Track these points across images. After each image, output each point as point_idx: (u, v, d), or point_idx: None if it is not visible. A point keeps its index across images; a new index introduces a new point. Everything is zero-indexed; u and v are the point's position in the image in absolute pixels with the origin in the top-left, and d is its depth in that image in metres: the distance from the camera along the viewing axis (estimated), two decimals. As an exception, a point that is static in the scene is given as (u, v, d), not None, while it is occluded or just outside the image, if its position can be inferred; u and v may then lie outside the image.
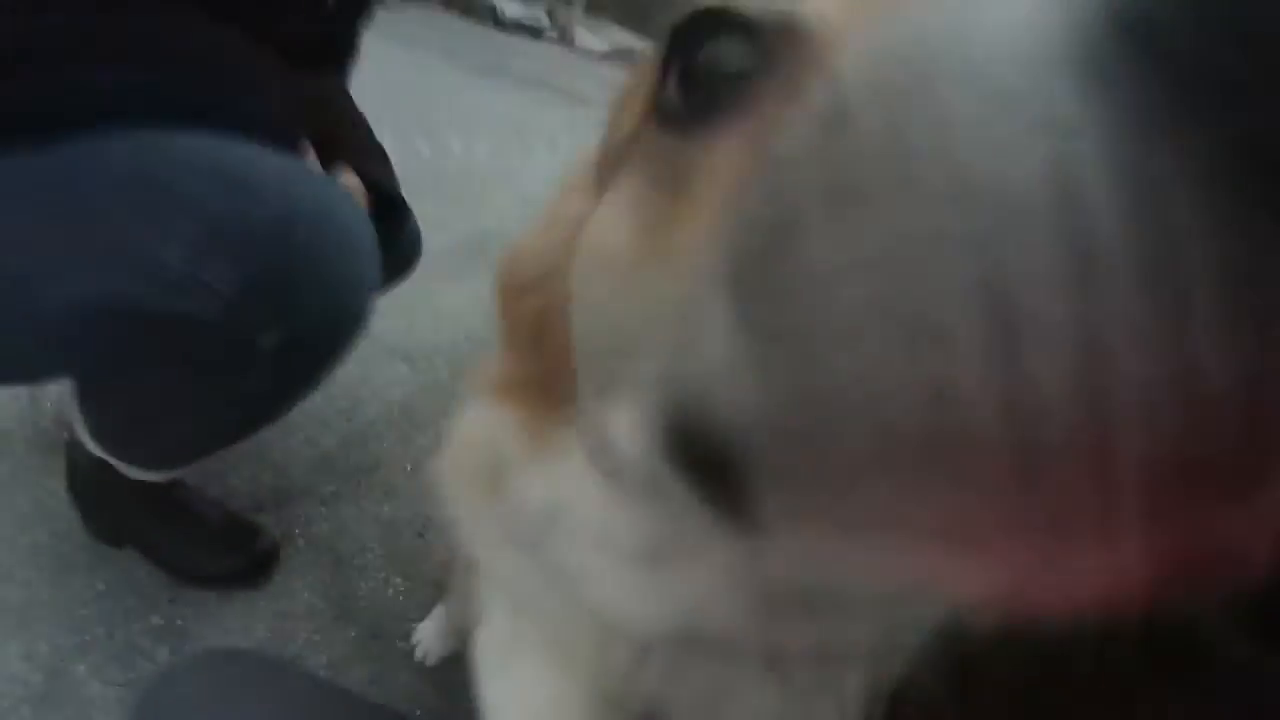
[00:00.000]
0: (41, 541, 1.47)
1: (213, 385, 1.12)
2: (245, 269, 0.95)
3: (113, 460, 1.28)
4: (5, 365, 1.09)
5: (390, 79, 4.15)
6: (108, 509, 1.43)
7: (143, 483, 1.36)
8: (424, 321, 2.33)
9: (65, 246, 0.93)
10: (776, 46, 0.35)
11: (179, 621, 1.41)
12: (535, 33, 18.52)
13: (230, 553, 1.48)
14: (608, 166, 0.48)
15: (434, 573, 1.58)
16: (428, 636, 1.42)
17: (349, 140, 1.36)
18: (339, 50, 1.41)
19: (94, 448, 1.26)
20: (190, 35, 1.01)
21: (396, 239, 1.35)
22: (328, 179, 1.14)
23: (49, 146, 0.92)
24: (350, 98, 1.46)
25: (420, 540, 1.69)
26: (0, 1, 0.89)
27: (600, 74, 16.26)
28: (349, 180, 1.25)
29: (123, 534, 1.46)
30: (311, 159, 1.21)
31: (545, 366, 0.50)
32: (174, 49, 0.99)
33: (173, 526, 1.45)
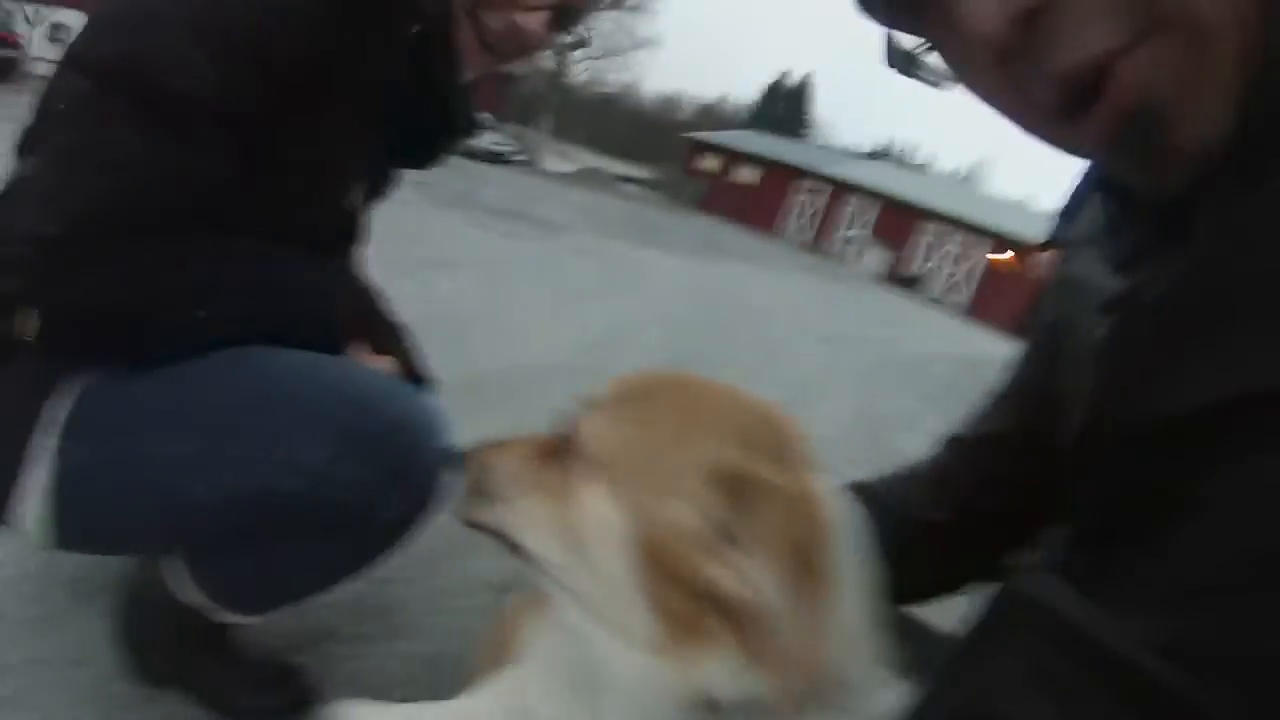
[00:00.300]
0: (89, 683, 1.50)
1: (332, 549, 1.31)
2: (373, 468, 1.19)
3: (211, 605, 1.35)
4: (147, 542, 1.34)
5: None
6: (157, 650, 1.49)
7: (195, 625, 1.42)
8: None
9: (219, 451, 1.17)
10: None
11: (228, 760, 1.45)
12: (504, 159, 18.84)
13: (274, 691, 1.54)
14: None
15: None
16: None
17: (380, 324, 1.57)
18: (356, 237, 1.57)
19: (194, 596, 1.34)
20: (268, 261, 1.26)
21: None
22: (404, 382, 1.41)
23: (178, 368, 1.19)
24: (365, 278, 1.62)
25: (446, 675, 1.74)
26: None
27: (570, 198, 16.65)
28: (383, 362, 1.41)
29: (168, 675, 1.51)
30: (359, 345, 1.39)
31: None
32: (265, 280, 1.25)
33: (220, 667, 1.51)
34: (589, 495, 0.79)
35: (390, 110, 1.36)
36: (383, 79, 1.31)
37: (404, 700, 1.60)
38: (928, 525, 1.16)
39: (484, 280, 5.85)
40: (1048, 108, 0.66)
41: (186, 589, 1.34)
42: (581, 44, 1.59)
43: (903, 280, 32.32)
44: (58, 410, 1.15)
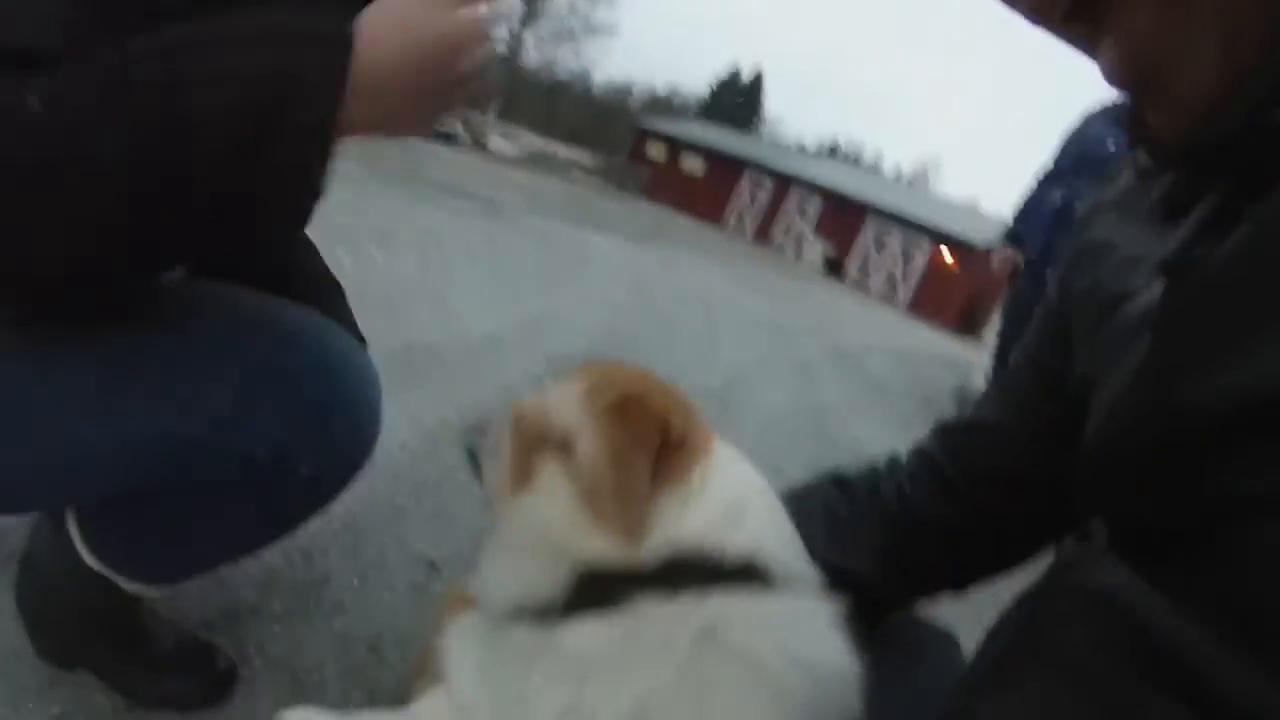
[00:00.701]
0: (-12, 663, 1.42)
1: (242, 509, 1.19)
2: (291, 412, 1.08)
3: (111, 575, 1.25)
4: (42, 494, 1.18)
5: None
6: (58, 631, 1.40)
7: (97, 601, 1.34)
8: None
9: (120, 390, 1.02)
10: None
11: (138, 746, 1.37)
12: (450, 139, 18.81)
13: (188, 674, 1.46)
14: None
15: (391, 685, 1.57)
16: None
17: (318, 277, 1.52)
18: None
19: (93, 563, 1.24)
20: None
21: None
22: (339, 327, 1.23)
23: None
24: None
25: (374, 654, 1.68)
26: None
27: (515, 180, 16.59)
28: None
29: (74, 656, 1.42)
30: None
31: None
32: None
33: (128, 649, 1.42)
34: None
35: None
36: None
37: (321, 682, 1.59)
38: (923, 519, 1.13)
39: (422, 255, 5.75)
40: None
41: (89, 556, 1.24)
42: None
43: (835, 270, 32.70)
44: None
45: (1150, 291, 0.78)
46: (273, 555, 1.72)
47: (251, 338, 1.09)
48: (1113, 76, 0.67)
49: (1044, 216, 4.42)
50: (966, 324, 26.98)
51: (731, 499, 0.91)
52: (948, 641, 1.17)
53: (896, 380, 8.29)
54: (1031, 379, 1.07)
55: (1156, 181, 0.80)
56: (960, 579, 1.18)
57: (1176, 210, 0.73)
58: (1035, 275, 4.46)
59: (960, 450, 1.14)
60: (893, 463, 1.22)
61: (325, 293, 1.50)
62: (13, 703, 1.37)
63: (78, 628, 1.38)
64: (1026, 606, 0.79)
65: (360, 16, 0.85)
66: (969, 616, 1.31)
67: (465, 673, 1.00)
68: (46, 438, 1.04)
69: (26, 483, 1.12)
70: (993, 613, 0.86)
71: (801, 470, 1.41)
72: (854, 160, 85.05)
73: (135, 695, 1.43)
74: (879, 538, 1.14)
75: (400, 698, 1.41)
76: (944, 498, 1.12)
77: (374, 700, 1.57)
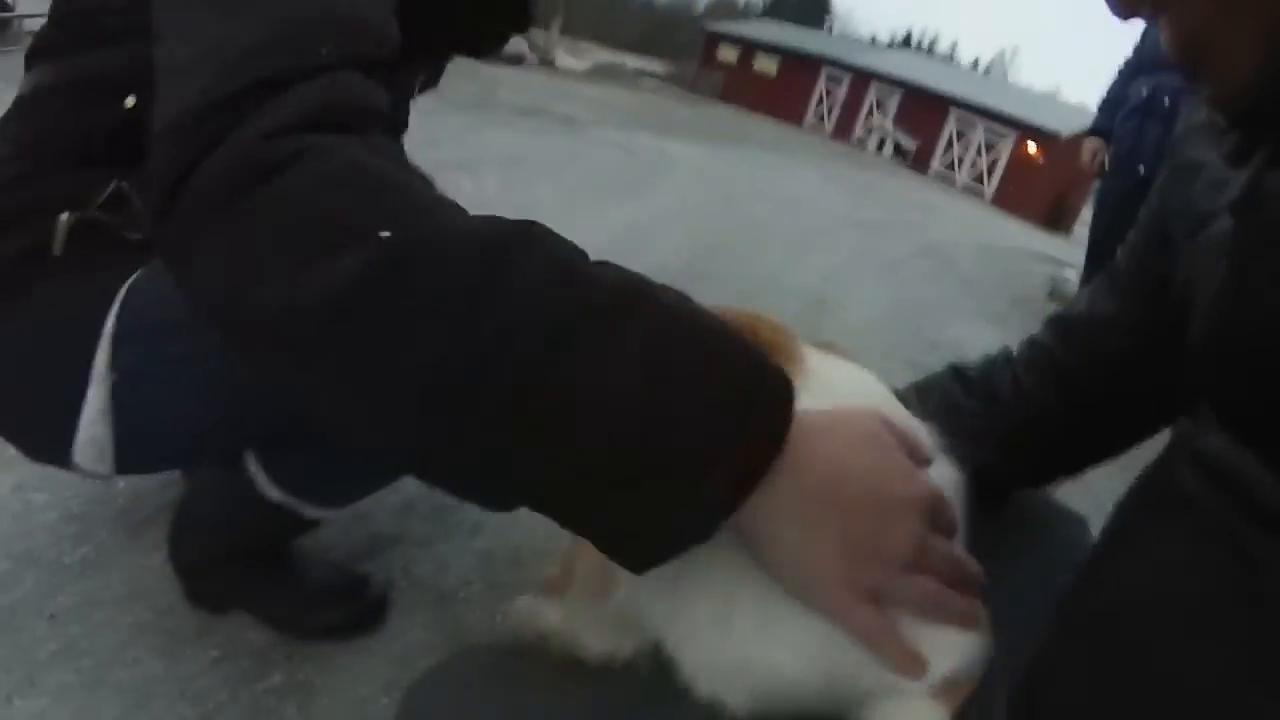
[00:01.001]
0: (145, 619, 1.46)
1: None
2: None
3: (294, 504, 1.27)
4: (225, 438, 1.19)
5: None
6: (217, 576, 1.44)
7: (251, 544, 1.39)
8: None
9: None
10: None
11: (300, 676, 1.42)
12: (517, 60, 18.70)
13: (342, 604, 1.51)
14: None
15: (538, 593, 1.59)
16: None
17: None
18: (405, 125, 1.47)
19: (276, 495, 1.26)
20: None
21: None
22: None
23: None
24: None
25: (516, 568, 1.72)
26: None
27: (588, 94, 16.41)
28: None
29: (231, 599, 1.47)
30: None
31: None
32: None
33: (284, 585, 1.47)
34: None
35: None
36: None
37: (468, 599, 1.62)
38: (1040, 408, 1.14)
39: (506, 178, 5.74)
40: None
41: (267, 489, 1.26)
42: None
43: (919, 164, 31.86)
44: (103, 324, 1.04)
45: (1227, 222, 0.82)
46: (408, 484, 1.73)
47: None
48: (1169, 51, 0.71)
49: (1130, 109, 4.23)
50: (1054, 218, 26.13)
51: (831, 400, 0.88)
52: (1074, 519, 1.20)
53: (988, 277, 8.02)
54: (1139, 277, 1.09)
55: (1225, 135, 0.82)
56: (1075, 464, 1.20)
57: (1240, 160, 0.77)
58: (1124, 168, 4.26)
59: (1076, 340, 1.15)
60: (1007, 355, 1.23)
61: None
62: (170, 652, 1.41)
63: (235, 570, 1.43)
64: (1146, 475, 0.86)
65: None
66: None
67: None
68: (210, 390, 1.04)
69: (200, 435, 1.15)
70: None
71: (904, 371, 1.39)
72: (928, 51, 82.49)
73: (291, 629, 1.47)
74: (998, 425, 1.17)
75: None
76: (1060, 386, 1.14)
77: (520, 611, 1.59)
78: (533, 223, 0.62)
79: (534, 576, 1.67)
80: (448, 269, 0.57)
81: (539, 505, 0.61)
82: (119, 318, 1.03)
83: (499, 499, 0.63)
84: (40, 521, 1.63)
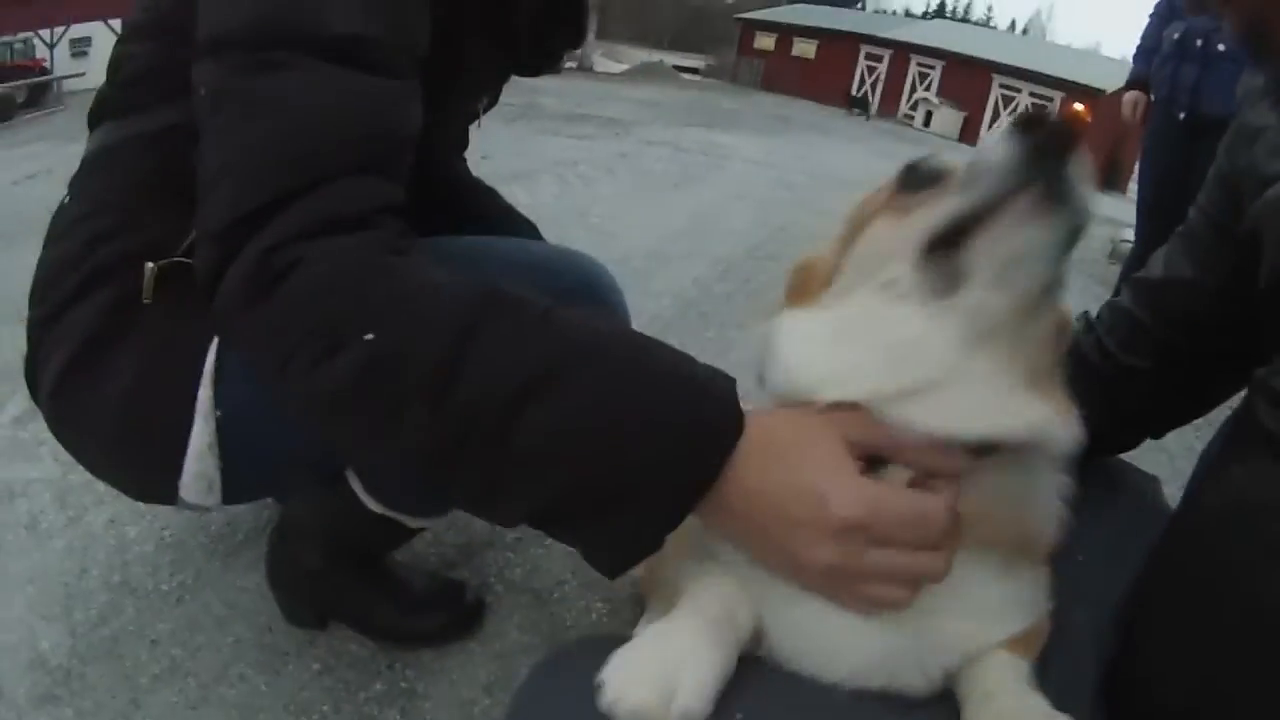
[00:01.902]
0: (245, 638, 1.48)
1: None
2: None
3: (397, 515, 1.28)
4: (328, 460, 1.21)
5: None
6: (317, 591, 1.45)
7: (348, 557, 1.41)
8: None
9: None
10: None
11: (402, 683, 1.43)
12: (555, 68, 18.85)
13: (440, 610, 1.51)
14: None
15: (630, 590, 1.58)
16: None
17: (517, 221, 1.66)
18: (466, 143, 1.61)
19: (378, 507, 1.26)
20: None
21: None
22: (576, 251, 1.33)
23: None
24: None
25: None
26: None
27: (631, 94, 16.47)
28: None
29: (329, 613, 1.48)
30: None
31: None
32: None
33: (383, 596, 1.48)
34: None
35: (523, 28, 1.25)
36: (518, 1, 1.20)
37: (563, 598, 1.62)
38: (1128, 371, 1.19)
39: (562, 184, 5.77)
40: None
41: (369, 502, 1.27)
42: None
43: (968, 132, 31.41)
44: (202, 363, 1.05)
45: None
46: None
47: (525, 274, 1.05)
48: (1234, 37, 0.79)
49: (1164, 56, 4.11)
50: (1107, 177, 25.59)
51: None
52: (1150, 479, 1.26)
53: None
54: (1212, 238, 1.12)
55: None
56: (1159, 425, 1.26)
57: None
58: (1164, 114, 4.15)
59: (1159, 303, 1.18)
60: (1087, 319, 1.27)
61: (527, 225, 1.62)
62: (272, 668, 1.43)
63: (334, 584, 1.44)
64: (1230, 420, 0.95)
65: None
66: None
67: None
68: None
69: (303, 459, 1.15)
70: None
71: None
72: (963, 19, 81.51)
73: (392, 637, 1.48)
74: (1083, 389, 1.15)
75: (639, 600, 1.42)
76: (1145, 348, 1.18)
77: (614, 607, 1.60)
78: (496, 292, 0.76)
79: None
80: (420, 360, 0.72)
81: (532, 526, 0.77)
82: (218, 355, 1.05)
83: (500, 522, 0.83)
84: (136, 553, 1.67)
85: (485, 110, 1.43)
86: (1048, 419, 0.74)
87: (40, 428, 1.23)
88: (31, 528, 1.74)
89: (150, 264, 1.02)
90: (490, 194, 1.63)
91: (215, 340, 1.05)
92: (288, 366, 0.75)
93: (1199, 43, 3.65)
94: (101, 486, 1.18)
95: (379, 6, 0.89)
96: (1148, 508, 1.19)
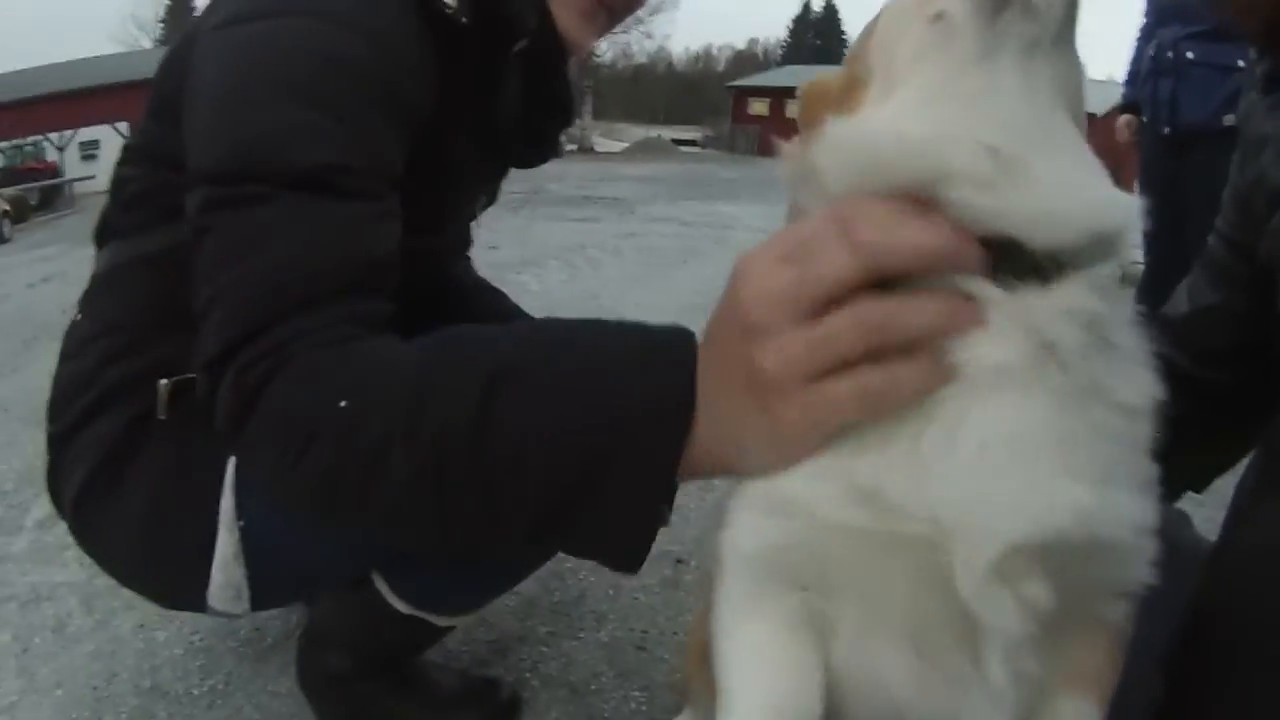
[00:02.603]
0: (277, 743, 1.47)
1: None
2: None
3: (425, 614, 1.29)
4: (353, 564, 1.24)
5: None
6: (349, 693, 1.44)
7: (378, 659, 1.40)
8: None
9: None
10: None
11: (440, 786, 1.41)
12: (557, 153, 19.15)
13: (475, 709, 1.50)
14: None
15: (665, 679, 1.58)
16: None
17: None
18: (470, 243, 1.60)
19: (405, 608, 1.28)
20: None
21: None
22: None
23: None
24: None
25: (643, 653, 1.69)
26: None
27: (628, 173, 16.65)
28: None
29: (363, 716, 1.46)
30: None
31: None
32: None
33: (416, 697, 1.46)
34: None
35: (509, 125, 1.28)
36: (499, 101, 1.22)
37: (600, 689, 1.60)
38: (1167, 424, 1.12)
39: (570, 269, 5.84)
40: None
41: (397, 604, 1.28)
42: None
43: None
44: (223, 474, 1.09)
45: None
46: (527, 585, 1.73)
47: None
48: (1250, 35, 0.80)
49: (1145, 75, 4.17)
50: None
51: None
52: (1177, 515, 1.16)
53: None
54: (1231, 257, 1.09)
55: None
56: (1203, 477, 1.18)
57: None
58: (1153, 132, 4.18)
59: (1188, 338, 1.12)
60: None
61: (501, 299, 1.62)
62: None
63: (367, 687, 1.43)
64: (1259, 450, 0.92)
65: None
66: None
67: None
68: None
69: (329, 565, 1.18)
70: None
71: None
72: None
73: (428, 740, 1.47)
74: None
75: (677, 689, 1.41)
76: (1181, 393, 1.10)
77: (652, 696, 1.57)
78: (452, 333, 0.79)
79: (660, 659, 1.67)
80: (389, 405, 0.74)
81: (541, 542, 0.77)
82: (237, 466, 1.08)
83: (514, 552, 0.95)
84: (165, 657, 1.67)
85: (484, 208, 1.46)
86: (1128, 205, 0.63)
87: (64, 531, 1.25)
88: (59, 631, 1.76)
89: (163, 381, 1.06)
90: (496, 295, 1.64)
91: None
92: (281, 466, 0.78)
93: (1170, 54, 3.68)
94: (128, 592, 1.20)
95: (347, 134, 0.92)
96: (1183, 548, 1.02)
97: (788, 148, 0.69)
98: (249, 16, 0.96)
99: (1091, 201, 0.60)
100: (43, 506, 2.17)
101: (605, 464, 0.69)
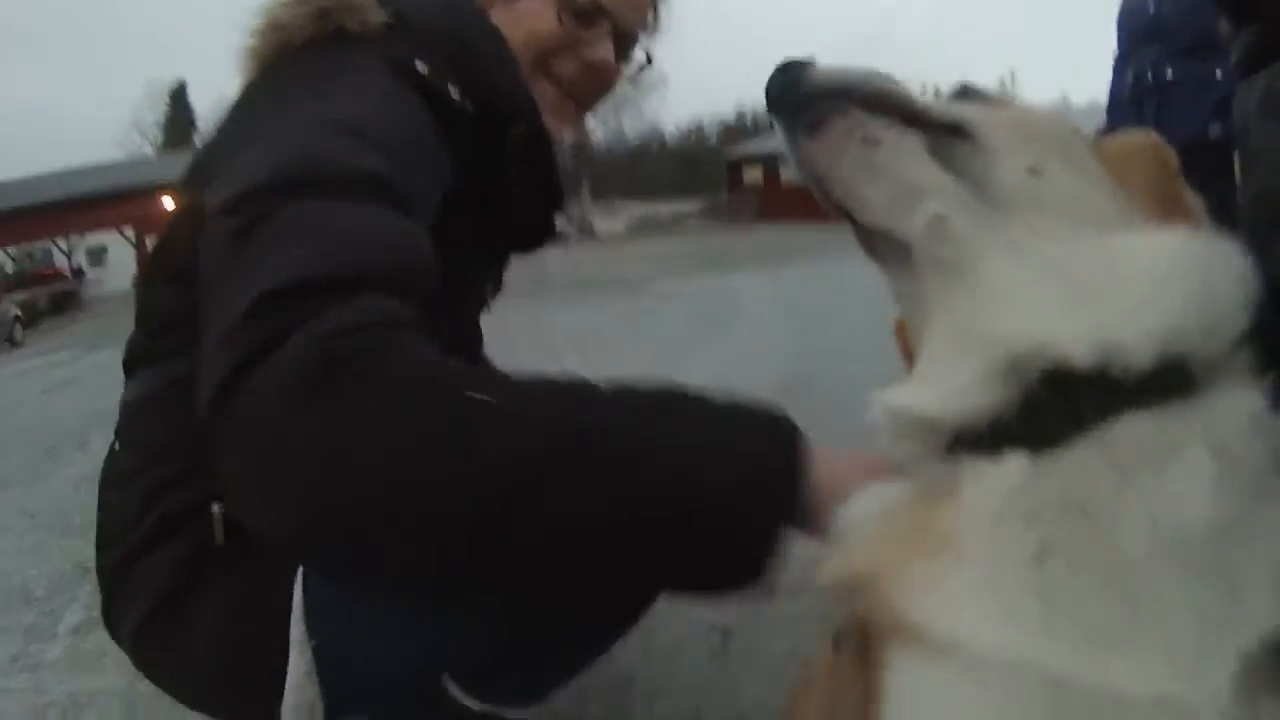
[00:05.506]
0: None
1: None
2: None
3: (498, 710, 1.29)
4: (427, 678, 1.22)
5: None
6: None
7: None
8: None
9: None
10: None
11: None
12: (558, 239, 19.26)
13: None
14: None
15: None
16: None
17: None
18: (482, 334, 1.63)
19: (478, 705, 1.27)
20: None
21: None
22: None
23: None
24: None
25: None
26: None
27: (632, 252, 16.73)
28: None
29: None
30: None
31: None
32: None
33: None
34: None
35: (510, 212, 1.35)
36: (502, 184, 1.29)
37: None
38: None
39: (585, 354, 5.85)
40: None
41: (468, 702, 1.27)
42: (649, 62, 1.54)
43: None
44: (290, 597, 1.08)
45: None
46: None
47: None
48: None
49: (1127, 100, 4.22)
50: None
51: None
52: None
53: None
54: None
55: None
56: None
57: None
58: None
59: None
60: None
61: None
62: None
63: None
64: None
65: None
66: None
67: None
68: (411, 638, 1.10)
69: (403, 680, 1.19)
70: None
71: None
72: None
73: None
74: None
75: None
76: None
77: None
78: (548, 385, 0.89)
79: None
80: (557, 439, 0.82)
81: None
82: (305, 588, 1.09)
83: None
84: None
85: (493, 295, 1.51)
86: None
87: (102, 637, 1.24)
88: (102, 740, 1.73)
89: (216, 507, 1.08)
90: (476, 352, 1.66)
91: (300, 572, 1.08)
92: (403, 438, 0.80)
93: (1150, 76, 3.74)
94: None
95: (395, 165, 0.99)
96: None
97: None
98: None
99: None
100: (76, 613, 2.21)
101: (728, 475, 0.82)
